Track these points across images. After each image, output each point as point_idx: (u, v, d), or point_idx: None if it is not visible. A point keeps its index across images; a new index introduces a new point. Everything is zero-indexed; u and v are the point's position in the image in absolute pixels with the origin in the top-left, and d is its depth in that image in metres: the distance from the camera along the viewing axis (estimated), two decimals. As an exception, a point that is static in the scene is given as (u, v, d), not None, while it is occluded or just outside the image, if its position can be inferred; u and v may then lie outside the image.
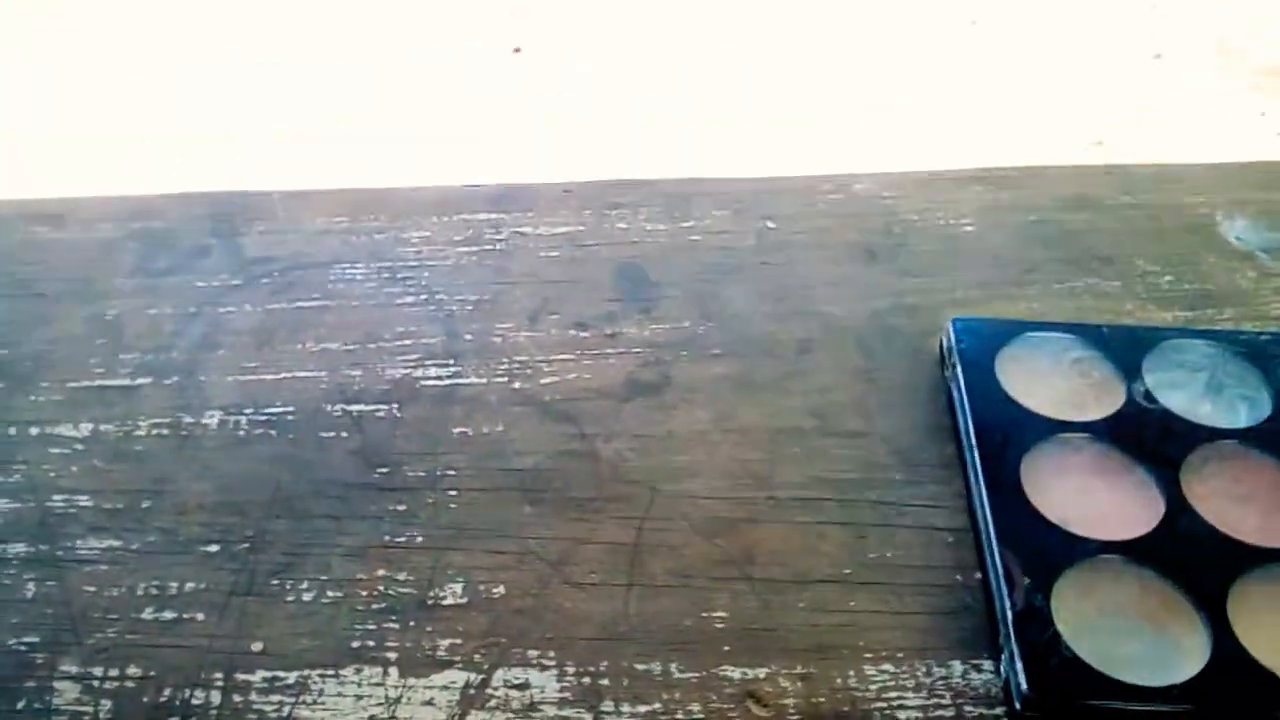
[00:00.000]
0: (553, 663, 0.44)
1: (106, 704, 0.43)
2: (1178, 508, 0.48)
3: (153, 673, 0.44)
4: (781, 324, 0.59)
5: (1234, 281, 0.62)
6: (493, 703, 0.43)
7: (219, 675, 0.44)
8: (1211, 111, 2.49)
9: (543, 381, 0.55)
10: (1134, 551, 0.46)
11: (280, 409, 0.54)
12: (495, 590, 0.47)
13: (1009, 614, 0.44)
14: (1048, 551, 0.46)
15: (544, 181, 0.68)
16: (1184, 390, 0.53)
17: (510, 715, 0.42)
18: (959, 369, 0.53)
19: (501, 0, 2.65)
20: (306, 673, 0.44)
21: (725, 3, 2.62)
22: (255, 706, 0.43)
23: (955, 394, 0.53)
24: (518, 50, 2.61)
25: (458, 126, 2.15)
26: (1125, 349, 0.55)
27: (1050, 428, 0.51)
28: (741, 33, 2.58)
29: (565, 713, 0.43)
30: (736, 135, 2.19)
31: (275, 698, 0.43)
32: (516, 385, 0.55)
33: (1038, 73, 2.54)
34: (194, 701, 0.43)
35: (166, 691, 0.43)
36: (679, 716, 0.42)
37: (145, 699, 0.43)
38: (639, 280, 0.61)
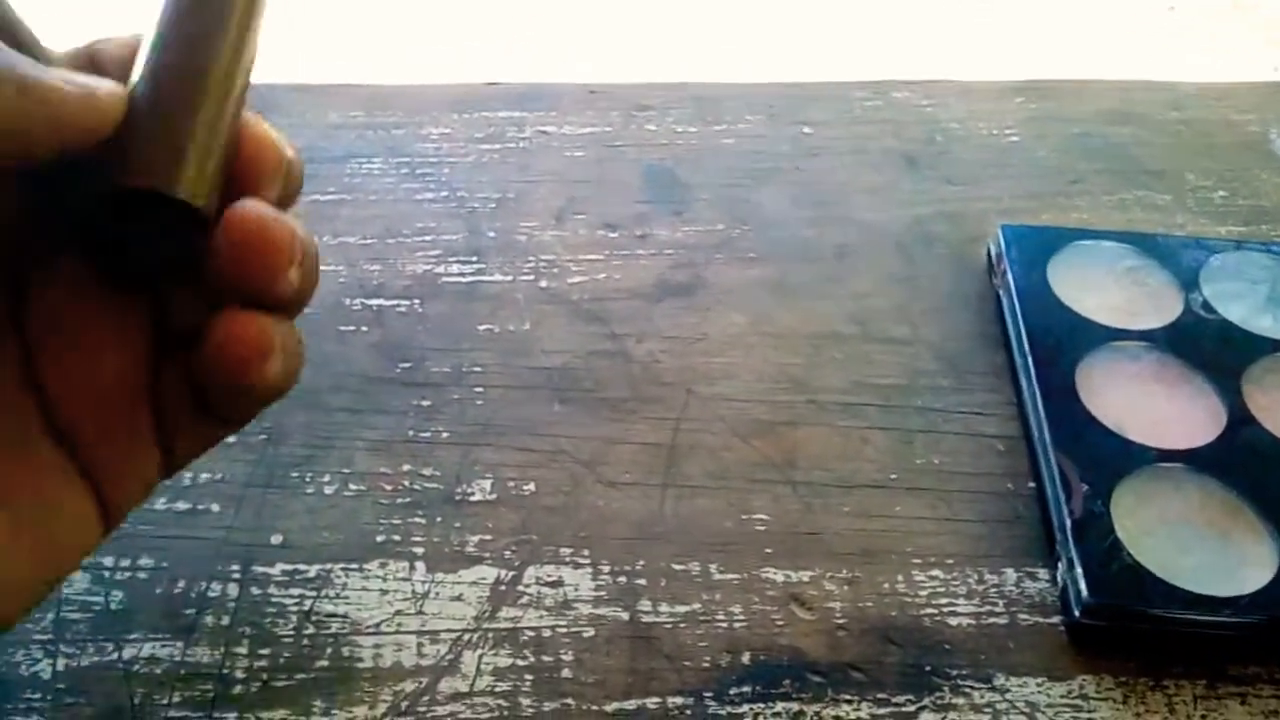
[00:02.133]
0: (587, 561, 0.42)
1: (118, 594, 0.40)
2: (1240, 418, 0.46)
3: (165, 564, 0.41)
4: (819, 229, 0.56)
5: (1288, 198, 0.59)
6: (524, 599, 0.41)
7: (236, 567, 0.41)
8: (1225, 65, 2.45)
9: (570, 281, 0.53)
10: (1196, 460, 0.44)
11: (297, 302, 0.51)
12: (526, 487, 0.44)
13: (1067, 520, 0.42)
14: (1106, 459, 0.44)
15: (569, 82, 0.65)
16: (1243, 302, 0.51)
17: (544, 612, 0.40)
18: (1010, 275, 0.51)
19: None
20: (329, 566, 0.42)
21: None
22: (274, 599, 0.40)
23: (1005, 301, 0.51)
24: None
25: (478, 33, 2.10)
26: (1181, 259, 0.52)
27: (1106, 335, 0.49)
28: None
29: (601, 611, 0.40)
30: (765, 39, 2.14)
31: (295, 591, 0.41)
32: (543, 284, 0.53)
33: (1049, 23, 2.50)
34: (210, 594, 0.41)
35: (181, 583, 0.41)
36: (720, 617, 0.40)
37: (159, 590, 0.41)
38: (669, 182, 0.59)
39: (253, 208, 0.29)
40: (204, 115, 0.30)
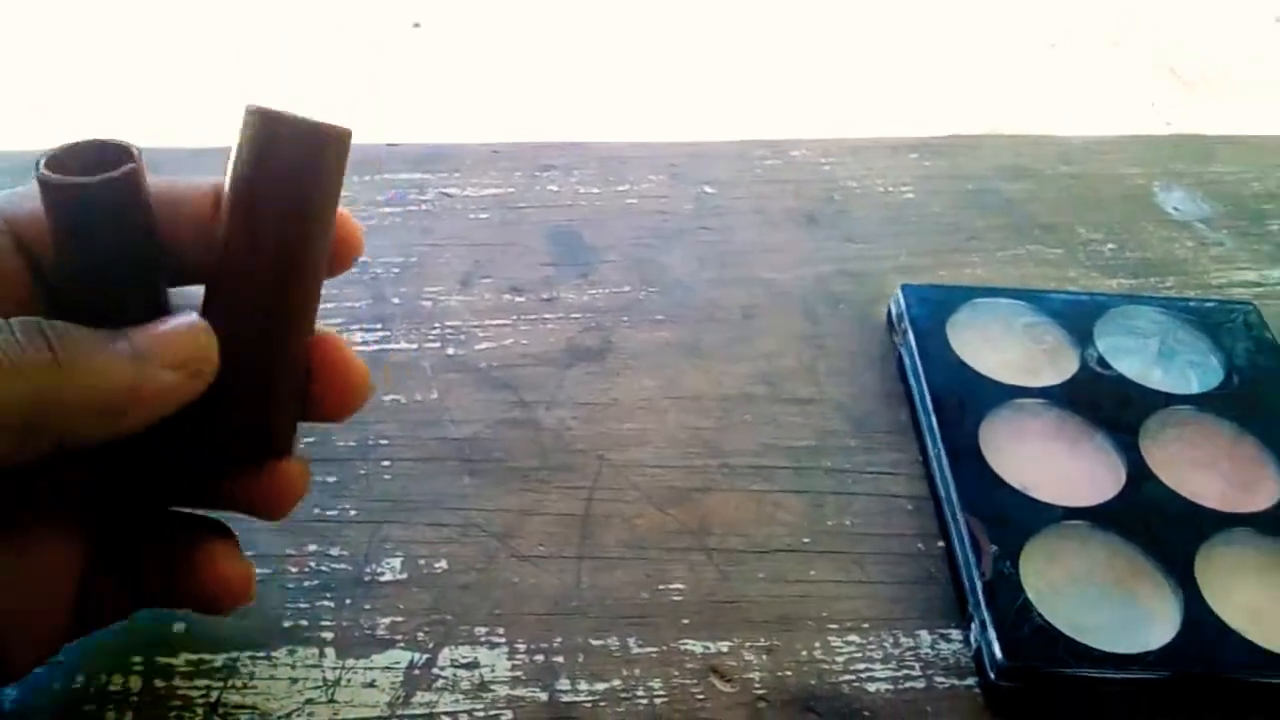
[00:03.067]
0: (502, 639, 0.41)
1: (11, 692, 0.39)
2: (1140, 473, 0.47)
3: (62, 657, 0.40)
4: (725, 290, 0.57)
5: (1173, 251, 0.61)
6: (440, 683, 0.40)
7: (139, 660, 0.40)
8: (1103, 100, 2.55)
9: (478, 347, 0.52)
10: (1099, 517, 0.45)
11: (196, 375, 0.50)
12: (437, 565, 0.44)
13: (978, 582, 0.42)
14: (1013, 518, 0.45)
15: (468, 142, 0.65)
16: (1136, 356, 0.52)
17: (460, 696, 0.40)
18: (910, 335, 0.52)
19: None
20: (235, 655, 0.40)
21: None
22: (180, 692, 0.39)
23: (907, 360, 0.52)
24: (417, 25, 2.56)
25: (359, 100, 2.11)
26: (1076, 315, 0.54)
27: (1006, 393, 0.50)
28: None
29: (519, 692, 0.40)
30: (665, 98, 2.18)
31: (201, 682, 0.39)
32: (450, 351, 0.52)
33: (931, 58, 2.57)
34: (111, 689, 0.39)
35: (80, 678, 0.39)
36: (640, 693, 0.40)
37: (56, 685, 0.39)
38: (575, 244, 0.59)
39: None
40: (288, 385, 0.36)
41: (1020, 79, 2.58)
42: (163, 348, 0.32)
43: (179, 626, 0.41)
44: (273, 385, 0.35)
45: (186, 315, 0.33)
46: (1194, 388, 0.51)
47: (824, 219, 0.61)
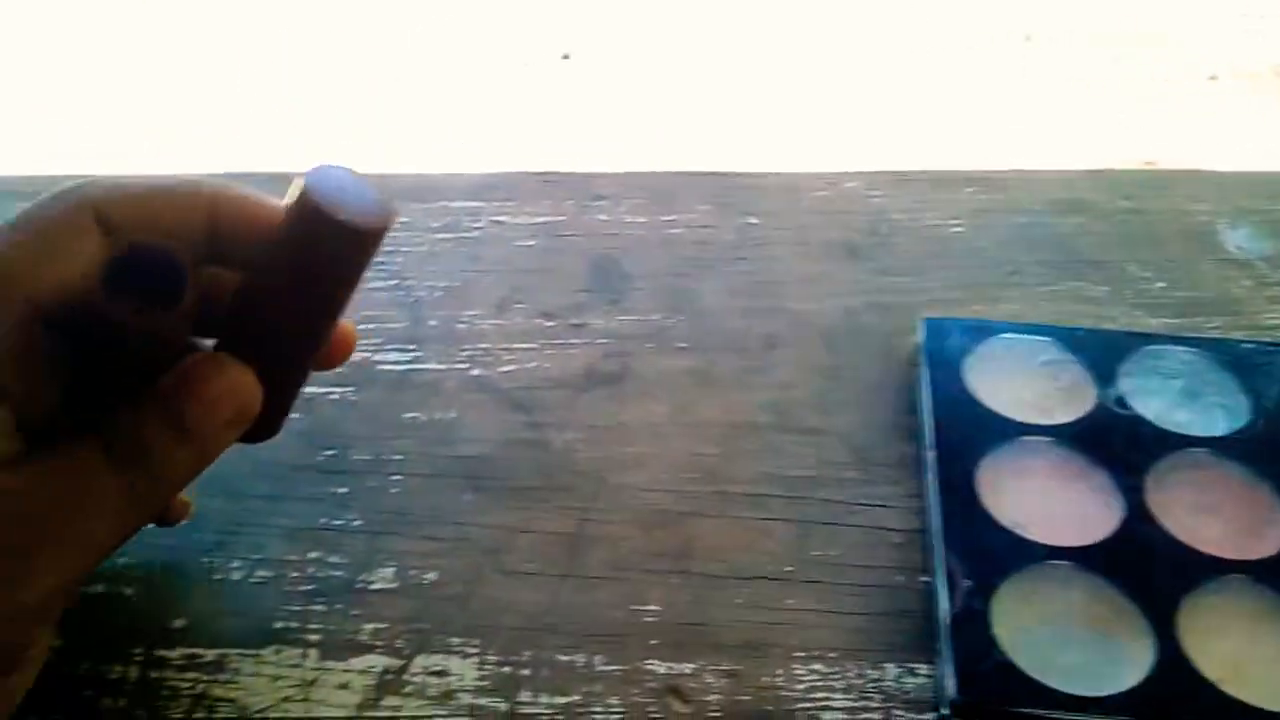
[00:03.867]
0: (475, 650, 0.43)
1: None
2: (1137, 515, 0.46)
3: (75, 646, 0.43)
4: (750, 320, 0.57)
5: (1228, 290, 0.60)
6: (409, 689, 0.42)
7: (139, 651, 0.43)
8: (1266, 133, 2.44)
9: (501, 369, 0.55)
10: (1084, 558, 0.44)
11: (235, 389, 0.53)
12: (426, 576, 0.46)
13: (945, 617, 0.42)
14: (995, 555, 0.44)
15: (528, 170, 0.67)
16: (1159, 397, 0.51)
17: (425, 702, 0.42)
18: (925, 367, 0.52)
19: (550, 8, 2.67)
20: (226, 651, 0.43)
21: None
22: (169, 683, 0.42)
23: (920, 393, 0.52)
24: (566, 57, 2.62)
25: (510, 130, 2.17)
26: (1101, 353, 0.53)
27: (1012, 430, 0.49)
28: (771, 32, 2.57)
29: (481, 701, 0.42)
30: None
31: (192, 675, 0.42)
32: (475, 372, 0.54)
33: (1090, 92, 2.51)
34: (110, 676, 0.42)
35: (84, 665, 0.43)
36: (597, 710, 0.41)
37: (64, 669, 0.42)
38: (611, 272, 0.60)
39: None
40: None
41: (1180, 113, 2.49)
42: (217, 414, 0.36)
43: (179, 622, 0.44)
44: (283, 398, 0.41)
45: (230, 368, 0.36)
46: (1218, 430, 0.50)
47: (864, 251, 0.62)
